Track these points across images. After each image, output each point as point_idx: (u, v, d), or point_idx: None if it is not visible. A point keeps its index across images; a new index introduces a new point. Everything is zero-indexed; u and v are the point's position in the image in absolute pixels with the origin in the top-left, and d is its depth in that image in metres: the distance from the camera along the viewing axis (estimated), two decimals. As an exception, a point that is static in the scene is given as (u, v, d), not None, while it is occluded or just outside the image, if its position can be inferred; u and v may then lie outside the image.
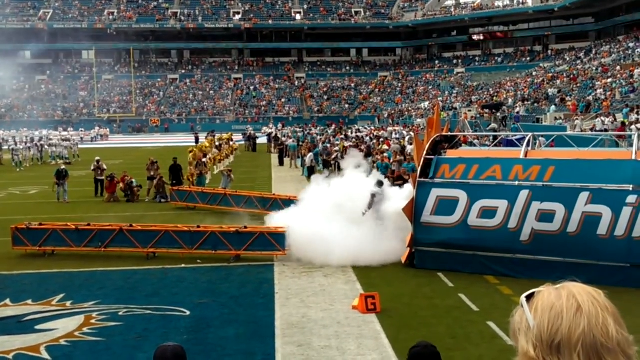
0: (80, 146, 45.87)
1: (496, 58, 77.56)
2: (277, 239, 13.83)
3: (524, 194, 12.31)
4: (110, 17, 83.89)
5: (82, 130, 61.50)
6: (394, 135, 37.31)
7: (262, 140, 49.60)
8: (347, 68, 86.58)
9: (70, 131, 57.92)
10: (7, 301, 11.38)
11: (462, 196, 12.87)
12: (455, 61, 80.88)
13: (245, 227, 14.42)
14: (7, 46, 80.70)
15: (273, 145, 43.53)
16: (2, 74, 75.30)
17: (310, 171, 28.44)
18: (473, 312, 10.55)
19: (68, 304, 11.21)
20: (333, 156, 28.87)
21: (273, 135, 47.59)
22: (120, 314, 10.63)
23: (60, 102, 78.72)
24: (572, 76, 50.04)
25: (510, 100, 49.10)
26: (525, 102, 46.28)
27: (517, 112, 42.55)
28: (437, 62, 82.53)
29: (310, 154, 28.97)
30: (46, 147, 41.21)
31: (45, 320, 10.38)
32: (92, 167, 24.59)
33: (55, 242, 14.87)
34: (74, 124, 70.11)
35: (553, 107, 39.58)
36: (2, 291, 11.97)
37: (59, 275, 13.28)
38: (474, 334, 9.57)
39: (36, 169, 35.79)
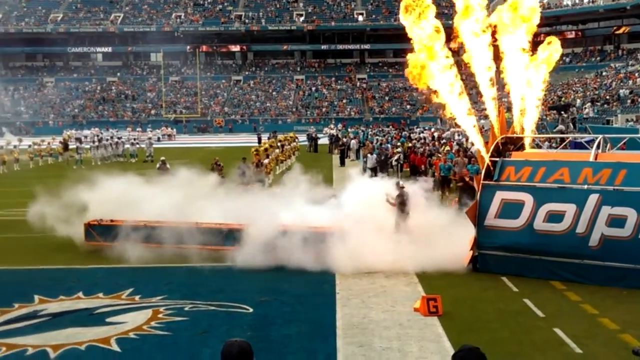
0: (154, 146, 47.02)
1: (564, 58, 75.22)
2: None
3: (593, 198, 11.95)
4: (178, 20, 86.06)
5: (149, 130, 63.38)
6: (456, 137, 36.75)
7: (322, 141, 49.82)
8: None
9: (139, 131, 59.70)
10: (80, 294, 11.87)
11: (527, 199, 12.60)
12: (521, 61, 78.95)
13: None
14: (81, 49, 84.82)
15: (334, 145, 43.67)
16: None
17: (373, 172, 28.31)
18: (539, 318, 10.32)
19: (137, 298, 11.60)
20: (395, 157, 28.69)
21: (334, 135, 47.70)
22: (186, 309, 10.92)
23: (129, 103, 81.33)
24: (645, 76, 48.18)
25: (578, 102, 47.65)
26: (595, 104, 44.81)
27: (580, 113, 41.19)
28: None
29: (374, 155, 28.89)
30: (113, 145, 41.89)
31: (116, 314, 10.77)
32: (158, 166, 25.27)
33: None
34: (142, 124, 72.27)
35: None
36: (76, 284, 12.48)
37: (128, 270, 13.75)
38: (540, 340, 9.36)
39: (107, 167, 37.02)
